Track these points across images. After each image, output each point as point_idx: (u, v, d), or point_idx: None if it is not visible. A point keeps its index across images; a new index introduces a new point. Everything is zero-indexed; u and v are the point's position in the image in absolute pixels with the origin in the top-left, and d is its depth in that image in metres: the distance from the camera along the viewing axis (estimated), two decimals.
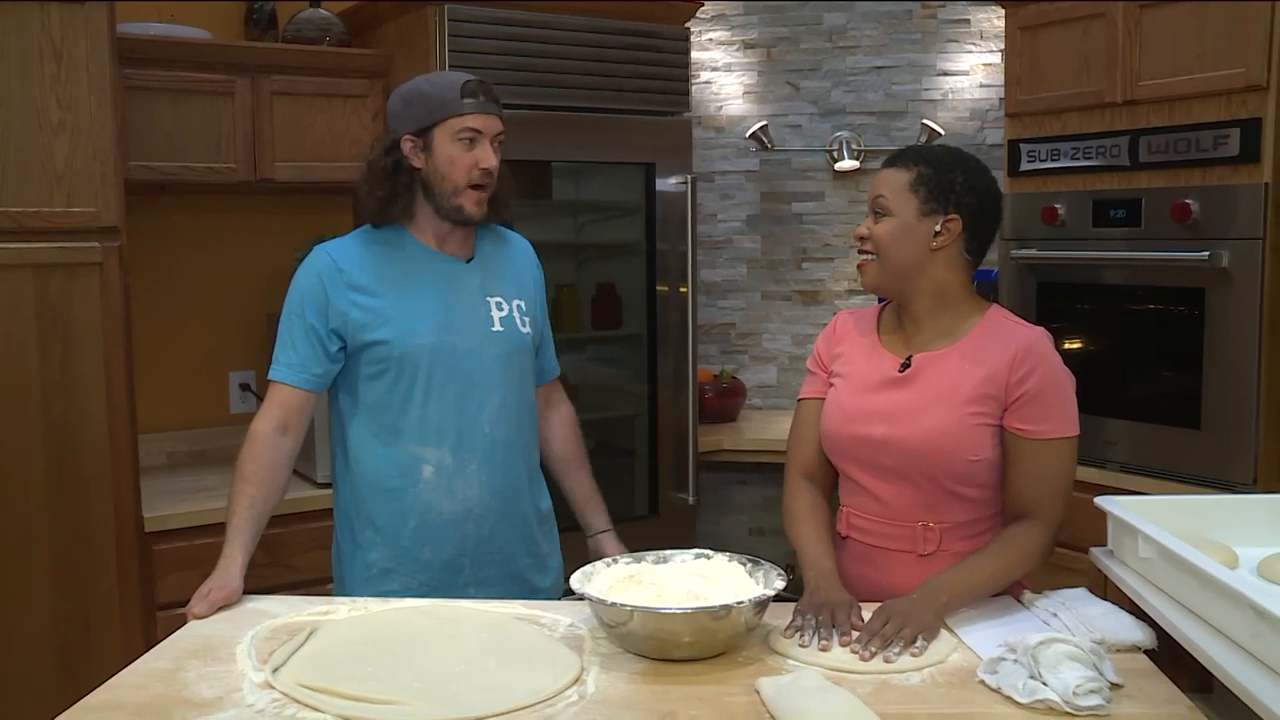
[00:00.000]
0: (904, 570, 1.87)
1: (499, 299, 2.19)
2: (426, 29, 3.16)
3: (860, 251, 1.93)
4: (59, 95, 2.62)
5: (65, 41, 2.61)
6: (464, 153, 2.08)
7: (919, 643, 1.63)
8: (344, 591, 2.16)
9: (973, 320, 1.90)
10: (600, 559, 1.86)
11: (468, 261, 2.19)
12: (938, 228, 1.86)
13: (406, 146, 2.10)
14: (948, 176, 1.86)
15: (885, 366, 1.93)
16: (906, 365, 1.90)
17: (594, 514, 2.39)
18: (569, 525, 2.41)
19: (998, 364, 1.83)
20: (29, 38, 2.58)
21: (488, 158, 2.09)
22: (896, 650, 1.61)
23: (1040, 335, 1.87)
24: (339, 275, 2.10)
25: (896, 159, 1.91)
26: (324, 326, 2.09)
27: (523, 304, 2.22)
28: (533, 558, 2.23)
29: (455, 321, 2.13)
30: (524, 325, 2.21)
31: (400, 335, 2.08)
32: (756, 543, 4.12)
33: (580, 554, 2.28)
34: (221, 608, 1.87)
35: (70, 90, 2.63)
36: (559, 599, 2.16)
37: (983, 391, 1.83)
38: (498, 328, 2.17)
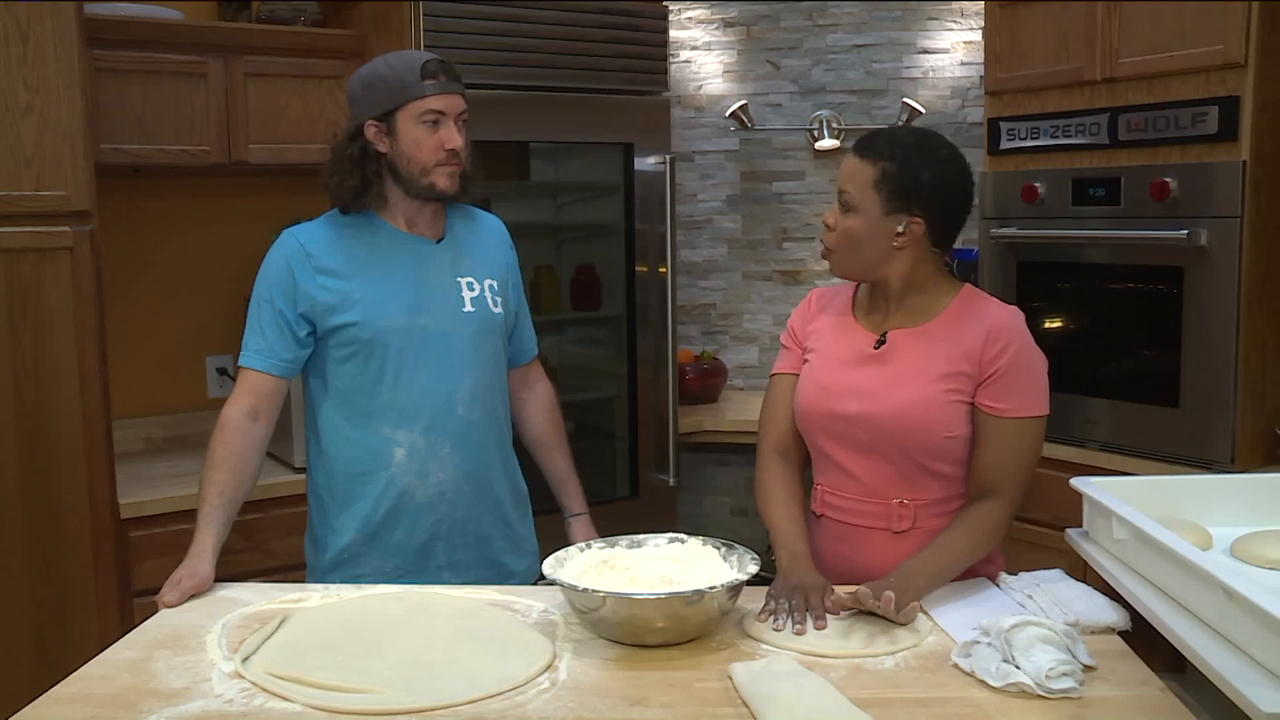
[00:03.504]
0: (879, 548, 1.87)
1: (470, 279, 2.17)
2: (402, 9, 3.13)
3: (824, 239, 1.90)
4: (25, 77, 2.58)
5: (31, 22, 2.57)
6: (429, 135, 2.06)
7: (895, 626, 1.63)
8: (317, 576, 2.15)
9: (946, 299, 1.90)
10: (573, 543, 1.86)
11: (438, 242, 2.17)
12: (900, 228, 1.84)
13: (370, 132, 2.08)
14: (913, 174, 1.81)
15: (860, 343, 1.92)
16: (882, 342, 1.90)
17: (569, 497, 2.38)
18: (545, 508, 2.40)
19: (972, 341, 1.83)
20: None
21: (453, 138, 2.08)
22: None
23: (1013, 313, 1.87)
24: (307, 259, 2.08)
25: (865, 148, 1.85)
26: (292, 311, 2.07)
27: (494, 284, 2.21)
28: (507, 540, 2.23)
29: (426, 302, 2.11)
30: (495, 305, 2.19)
31: (369, 317, 2.07)
32: (739, 524, 4.11)
33: (557, 536, 2.28)
34: (193, 596, 1.86)
35: (37, 72, 2.59)
36: (535, 582, 2.16)
37: (956, 368, 1.83)
38: (469, 308, 2.15)
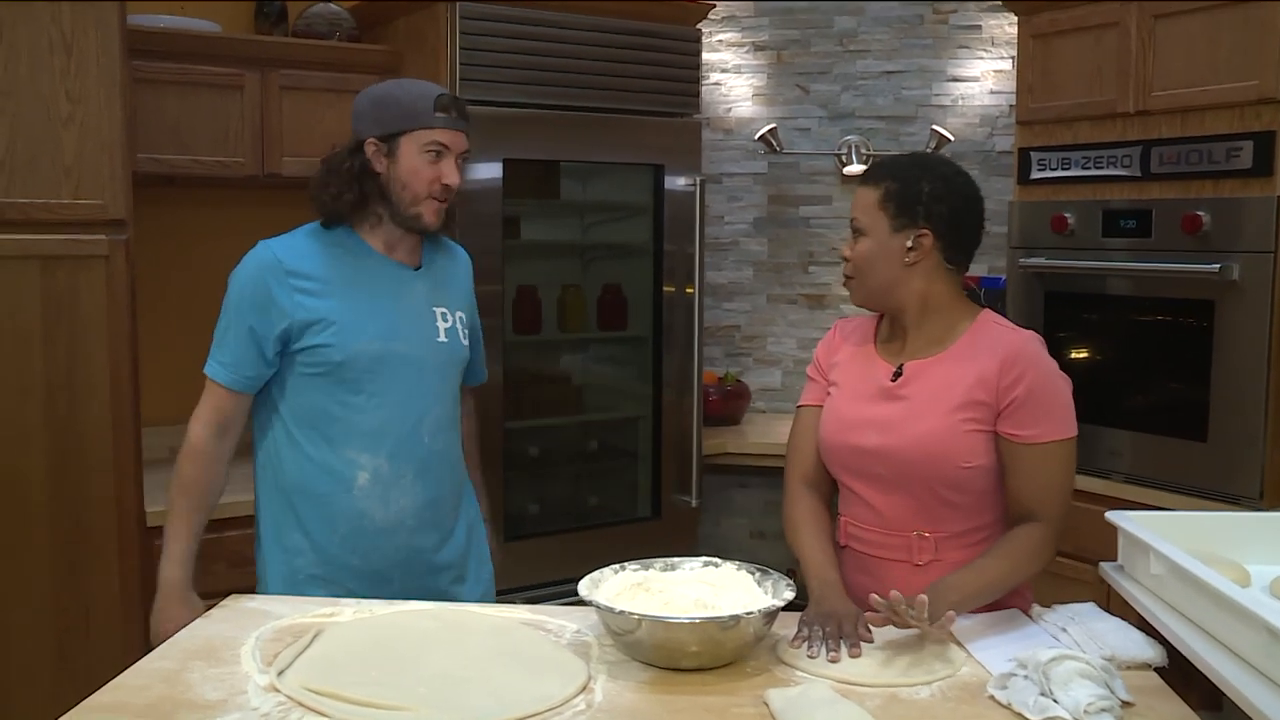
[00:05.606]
0: (901, 580, 1.85)
1: (444, 309, 2.19)
2: (437, 26, 3.15)
3: (844, 269, 1.94)
4: (68, 88, 2.61)
5: (75, 33, 2.60)
6: (428, 166, 2.07)
7: (931, 656, 1.62)
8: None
9: (963, 326, 1.90)
10: None
11: (416, 269, 2.18)
12: (909, 243, 1.86)
13: (370, 150, 2.08)
14: (914, 188, 1.85)
15: (879, 375, 1.93)
16: (899, 374, 1.90)
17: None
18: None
19: (987, 370, 1.83)
20: (39, 29, 2.57)
21: (451, 174, 2.08)
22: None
23: (1029, 338, 1.86)
24: (284, 274, 2.06)
25: (867, 176, 1.92)
26: (264, 329, 2.05)
27: (463, 316, 2.23)
28: (461, 570, 2.23)
29: (401, 329, 2.11)
30: (464, 338, 2.22)
31: (344, 339, 2.05)
32: (757, 546, 4.11)
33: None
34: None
35: (79, 83, 2.62)
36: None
37: (973, 398, 1.83)
38: (442, 338, 2.17)
